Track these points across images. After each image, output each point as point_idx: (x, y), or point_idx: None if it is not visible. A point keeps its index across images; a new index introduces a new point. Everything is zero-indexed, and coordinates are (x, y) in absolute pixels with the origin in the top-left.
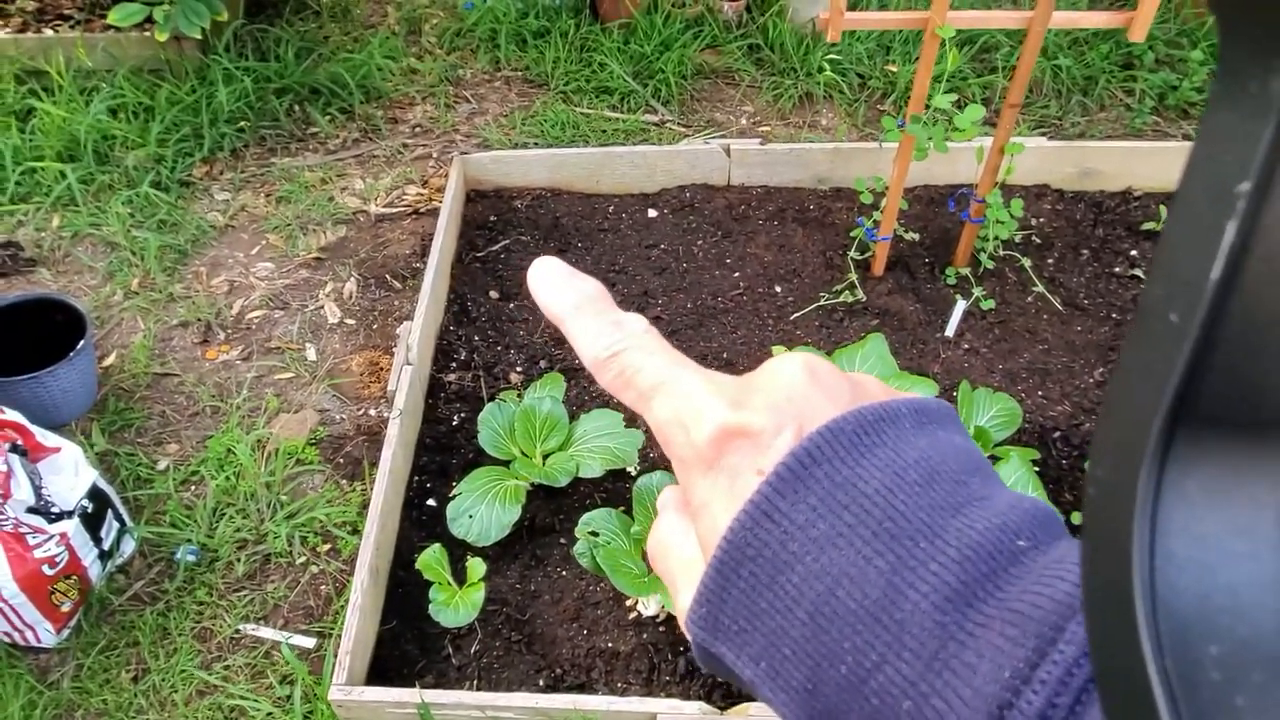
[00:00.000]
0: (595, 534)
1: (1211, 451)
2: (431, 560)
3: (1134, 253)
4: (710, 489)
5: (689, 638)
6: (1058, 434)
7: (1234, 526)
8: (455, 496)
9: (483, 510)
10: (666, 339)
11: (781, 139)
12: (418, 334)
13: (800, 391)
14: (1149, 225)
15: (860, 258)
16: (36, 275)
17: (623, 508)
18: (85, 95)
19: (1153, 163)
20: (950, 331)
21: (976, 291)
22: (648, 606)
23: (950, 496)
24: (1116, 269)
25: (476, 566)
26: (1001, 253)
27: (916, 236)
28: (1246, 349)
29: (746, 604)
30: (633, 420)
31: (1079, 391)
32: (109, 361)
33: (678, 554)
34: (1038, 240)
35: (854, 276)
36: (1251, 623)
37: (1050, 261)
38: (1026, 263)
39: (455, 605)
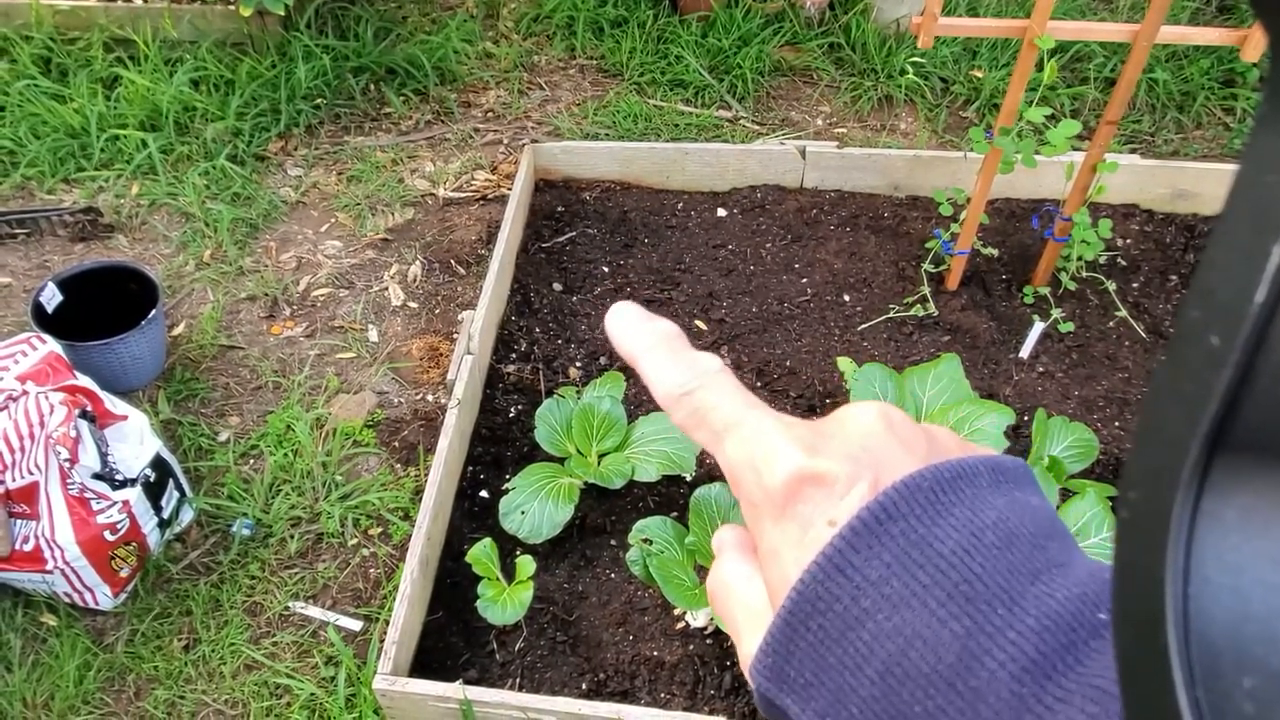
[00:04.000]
0: (649, 541)
1: (1249, 480)
2: (481, 554)
3: None
4: (780, 536)
5: (751, 685)
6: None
7: (1271, 557)
8: (509, 491)
9: (535, 507)
10: (730, 343)
11: (858, 142)
12: (479, 323)
13: (877, 441)
14: None
15: (934, 270)
16: (114, 242)
17: (676, 515)
18: (170, 66)
19: None
20: (1025, 353)
21: (1055, 313)
22: (696, 618)
23: (1028, 561)
24: None
25: (526, 564)
26: (1084, 274)
27: (995, 252)
28: None
29: (814, 657)
30: None
31: None
32: (178, 331)
33: (741, 598)
34: (1123, 263)
35: (926, 289)
36: None
37: (1135, 286)
38: (1111, 286)
39: (503, 603)
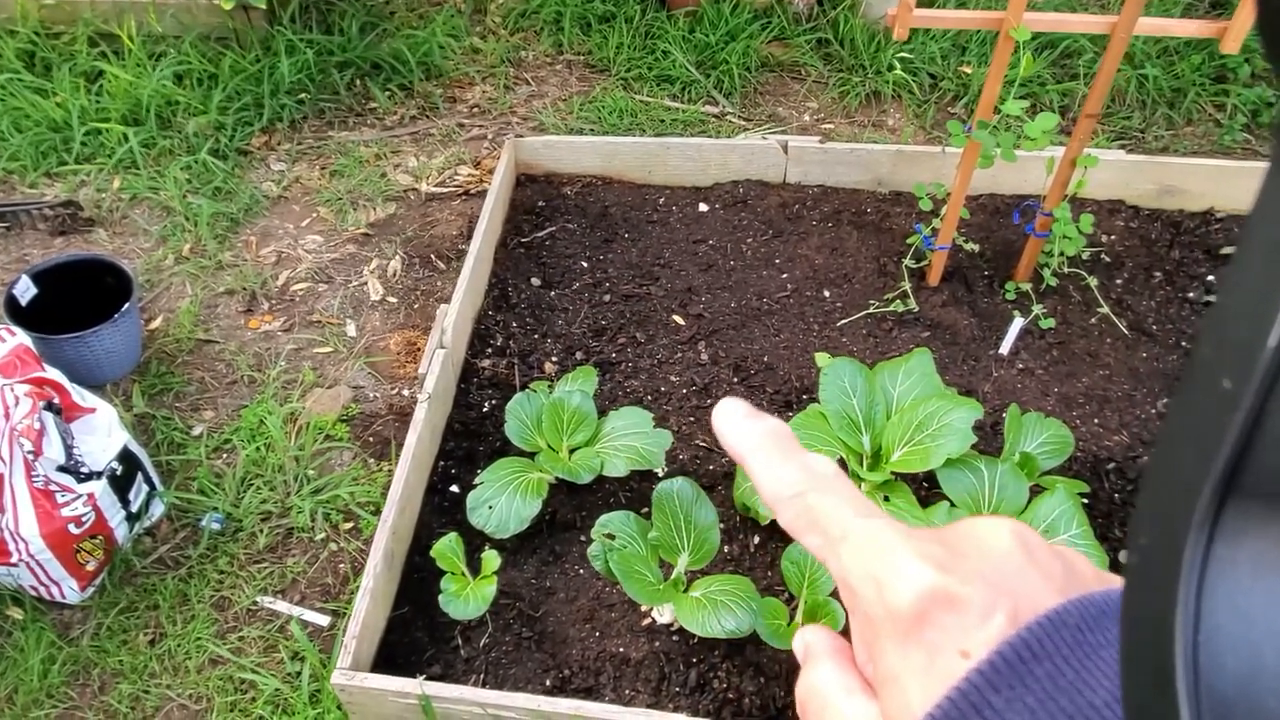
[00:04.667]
0: (612, 536)
1: (1263, 525)
2: (446, 549)
3: (1211, 278)
4: (903, 661)
5: None
6: (1112, 465)
7: None
8: (477, 485)
9: (503, 502)
10: (707, 338)
11: (845, 137)
12: (453, 317)
13: (1014, 566)
14: (1230, 249)
15: (915, 266)
16: (94, 235)
17: (647, 510)
18: (154, 60)
19: (1240, 183)
20: (1005, 349)
21: (1036, 309)
22: (663, 614)
23: None
24: (1190, 294)
25: (491, 559)
26: (1066, 270)
27: (976, 247)
28: None
29: None
30: (663, 420)
31: (1139, 422)
32: (155, 325)
33: (842, 716)
34: (1107, 259)
35: (907, 285)
36: None
37: (1119, 282)
38: (1093, 282)
39: (465, 597)
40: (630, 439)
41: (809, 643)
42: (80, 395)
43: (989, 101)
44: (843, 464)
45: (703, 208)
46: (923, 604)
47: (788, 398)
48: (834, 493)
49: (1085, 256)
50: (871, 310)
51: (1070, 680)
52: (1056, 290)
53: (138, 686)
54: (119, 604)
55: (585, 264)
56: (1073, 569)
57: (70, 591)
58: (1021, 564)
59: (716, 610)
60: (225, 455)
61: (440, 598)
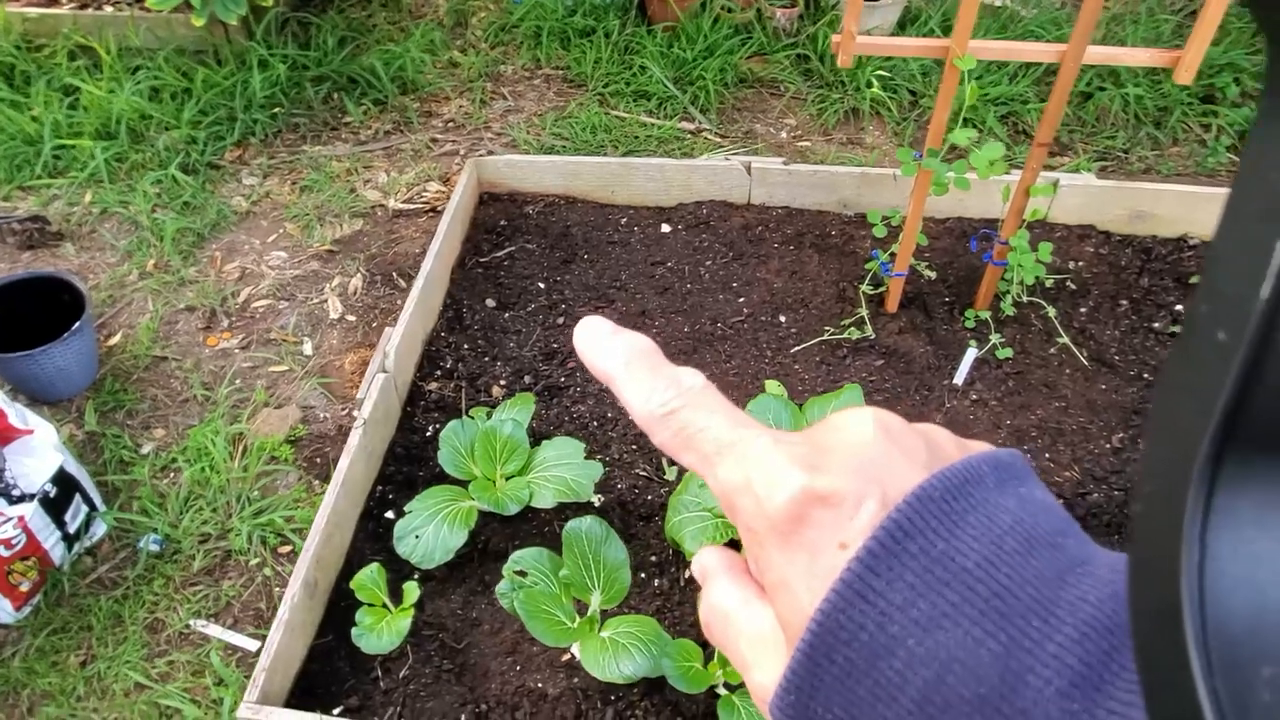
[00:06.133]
0: (523, 574)
1: (1262, 472)
2: (367, 580)
3: (1179, 307)
4: (788, 564)
5: None
6: (1060, 503)
7: None
8: (406, 514)
9: (430, 531)
10: None
11: (821, 155)
12: (396, 340)
13: (878, 452)
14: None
15: (874, 292)
16: (62, 250)
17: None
18: (132, 74)
19: (1215, 209)
20: (959, 379)
21: (994, 338)
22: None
23: (1052, 564)
24: (1156, 324)
25: (411, 591)
26: (1025, 299)
27: (935, 274)
28: None
29: (842, 692)
30: (604, 448)
31: (1092, 457)
32: (114, 341)
33: (744, 627)
34: (1073, 286)
35: (864, 312)
36: None
37: (1084, 310)
38: (1051, 311)
39: (379, 631)
40: (561, 469)
41: (705, 564)
42: (21, 417)
43: (937, 129)
44: None
45: (665, 229)
46: (797, 506)
47: None
48: (705, 407)
49: (1049, 284)
50: (826, 337)
51: (942, 550)
52: (1017, 319)
53: (64, 710)
54: (52, 624)
55: (542, 285)
56: (935, 445)
57: (4, 612)
58: (885, 449)
59: (618, 654)
60: (171, 475)
61: (353, 631)
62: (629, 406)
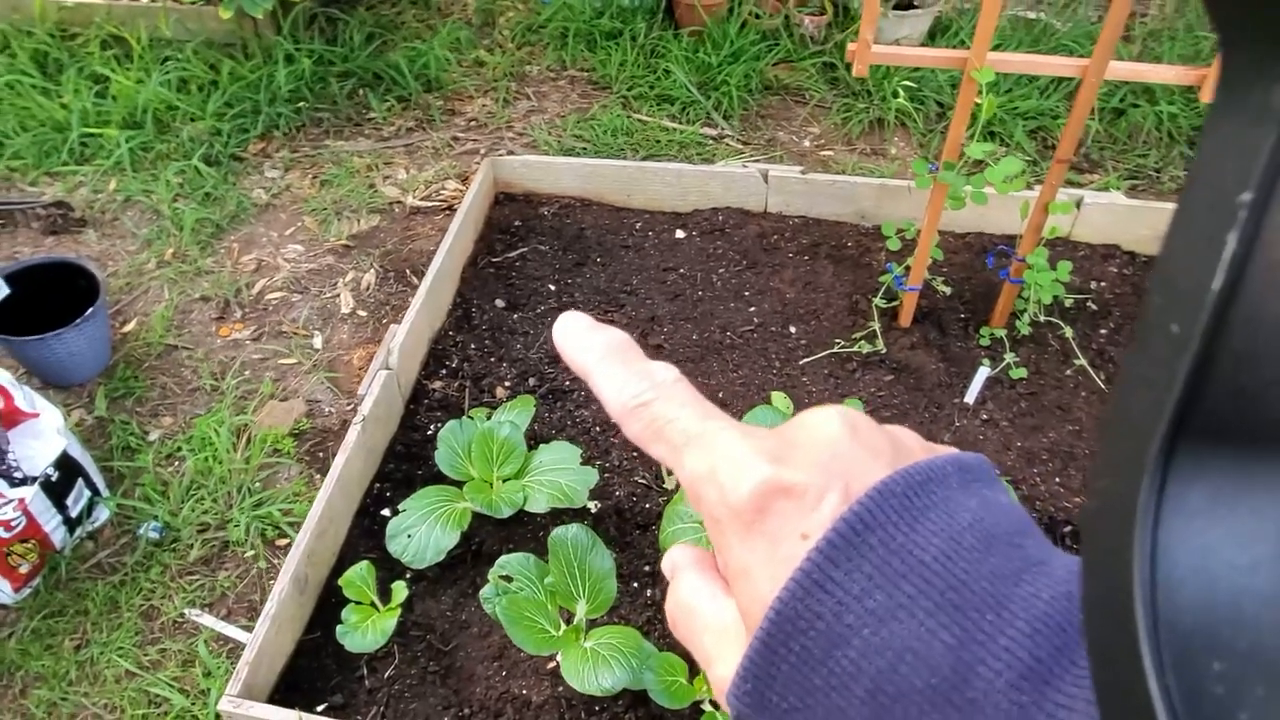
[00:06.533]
0: (508, 579)
1: (1213, 464)
2: (356, 578)
3: None
4: (749, 554)
5: (730, 713)
6: (1068, 529)
7: (1236, 539)
8: (400, 512)
9: (423, 531)
10: None
11: (843, 165)
12: (401, 337)
13: (843, 448)
14: None
15: (887, 305)
16: (84, 236)
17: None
18: (161, 65)
19: None
20: (970, 398)
21: (1009, 357)
22: None
23: (1009, 562)
24: None
25: (399, 590)
26: (1043, 318)
27: (950, 290)
28: (1248, 361)
29: (798, 680)
30: (605, 454)
31: None
32: (129, 328)
33: (708, 620)
34: (1094, 306)
35: (876, 325)
36: (1254, 637)
37: (1103, 332)
38: (1069, 332)
39: (364, 630)
40: (556, 474)
41: (674, 560)
42: (28, 400)
43: (955, 142)
44: None
45: (679, 234)
46: (761, 497)
47: None
48: (676, 400)
49: (1069, 304)
50: (836, 349)
51: (900, 543)
52: (1033, 338)
53: (55, 693)
54: (49, 607)
55: (553, 287)
56: (900, 444)
57: (3, 594)
58: (851, 445)
59: (597, 665)
60: (176, 463)
61: (338, 629)
62: (603, 399)
